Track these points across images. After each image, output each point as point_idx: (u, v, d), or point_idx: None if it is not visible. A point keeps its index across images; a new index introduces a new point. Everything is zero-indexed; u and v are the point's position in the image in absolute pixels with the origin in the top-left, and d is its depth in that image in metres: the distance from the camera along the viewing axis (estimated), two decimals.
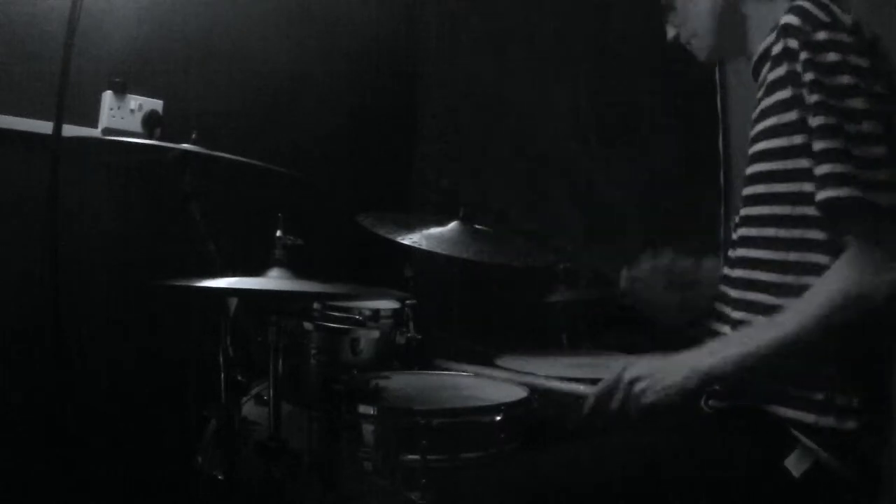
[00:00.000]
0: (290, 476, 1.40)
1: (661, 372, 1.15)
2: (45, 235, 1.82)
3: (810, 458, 1.07)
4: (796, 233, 1.11)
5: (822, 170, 1.03)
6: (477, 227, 1.88)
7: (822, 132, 1.03)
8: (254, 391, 1.65)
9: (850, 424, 1.08)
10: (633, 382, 1.17)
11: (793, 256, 1.11)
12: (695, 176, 2.13)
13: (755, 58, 1.23)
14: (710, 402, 1.23)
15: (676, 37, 1.35)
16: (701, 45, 1.32)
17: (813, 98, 1.04)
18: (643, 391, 1.15)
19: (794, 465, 1.08)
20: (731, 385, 1.17)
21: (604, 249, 2.21)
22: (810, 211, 1.07)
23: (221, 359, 1.48)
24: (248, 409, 1.60)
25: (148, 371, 2.13)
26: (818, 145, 1.03)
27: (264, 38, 2.40)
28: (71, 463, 1.90)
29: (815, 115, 1.04)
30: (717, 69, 2.11)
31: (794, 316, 1.05)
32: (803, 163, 1.07)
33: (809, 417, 1.09)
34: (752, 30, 1.24)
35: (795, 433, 1.09)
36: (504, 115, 2.58)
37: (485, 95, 2.65)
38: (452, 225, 1.85)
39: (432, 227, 1.83)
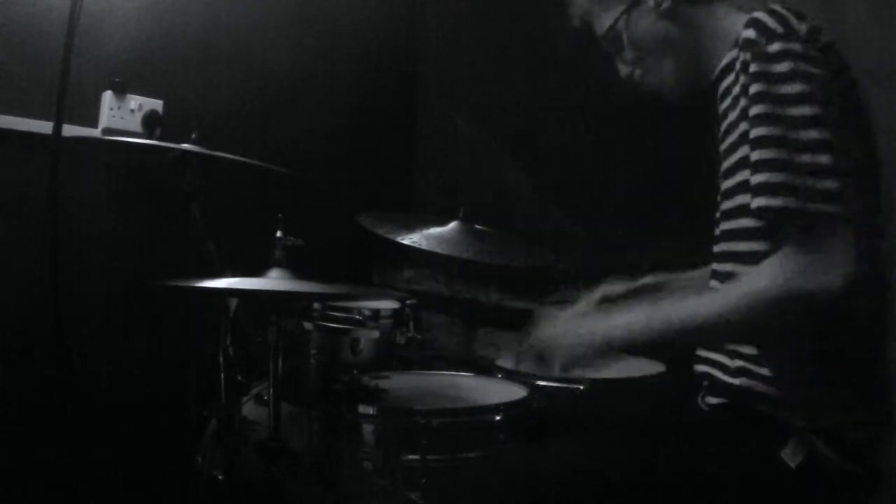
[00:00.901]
0: (290, 476, 1.41)
1: (563, 334, 1.20)
2: (45, 235, 1.82)
3: (806, 448, 1.08)
4: (749, 245, 1.13)
5: (756, 179, 1.03)
6: (477, 227, 1.88)
7: (759, 143, 1.04)
8: (254, 391, 1.65)
9: (850, 420, 1.08)
10: (541, 352, 1.21)
11: (746, 270, 1.12)
12: (694, 177, 2.13)
13: (716, 73, 1.22)
14: (707, 398, 1.23)
15: (631, 74, 1.31)
16: (667, 85, 1.28)
17: (754, 110, 1.05)
18: (553, 360, 1.19)
19: (790, 455, 1.08)
20: (649, 352, 1.21)
21: (604, 249, 2.21)
22: (751, 223, 1.09)
23: (221, 359, 1.48)
24: (248, 409, 1.61)
25: (148, 371, 2.13)
26: (754, 155, 1.04)
27: (264, 38, 2.40)
28: (71, 463, 1.90)
29: (754, 126, 1.05)
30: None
31: (721, 299, 1.09)
32: (747, 174, 1.07)
33: (809, 420, 1.09)
34: (710, 48, 1.22)
35: (792, 427, 1.09)
36: (504, 115, 2.58)
37: (485, 95, 2.65)
38: (452, 225, 1.85)
39: (432, 227, 1.83)
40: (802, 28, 1.07)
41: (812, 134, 1.01)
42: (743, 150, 1.10)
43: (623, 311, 1.17)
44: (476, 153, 2.69)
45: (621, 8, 1.25)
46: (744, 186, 1.10)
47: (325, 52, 2.56)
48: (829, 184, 1.00)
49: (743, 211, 1.11)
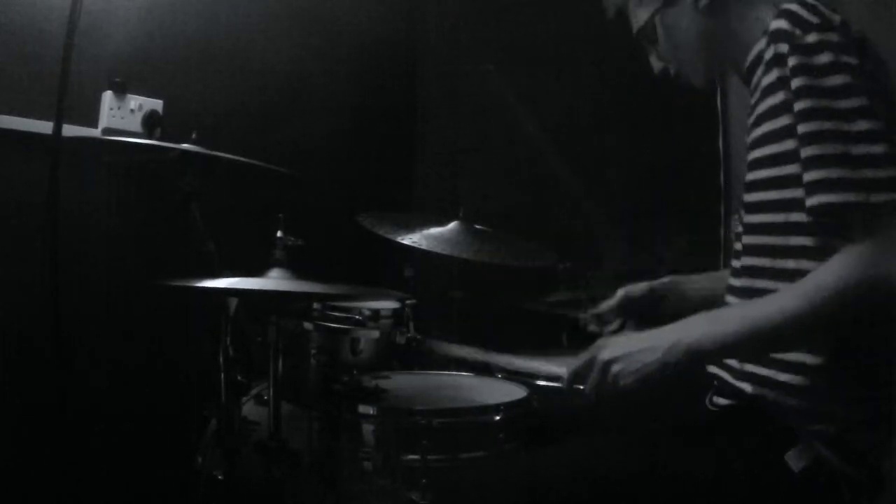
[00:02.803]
0: (290, 476, 1.41)
1: (638, 351, 1.10)
2: (45, 235, 1.82)
3: (811, 453, 1.07)
4: (792, 240, 1.10)
5: (810, 176, 1.02)
6: (477, 227, 1.88)
7: (810, 138, 1.02)
8: (254, 391, 1.65)
9: (853, 423, 1.08)
10: (608, 364, 1.12)
11: (790, 264, 1.10)
12: (695, 176, 2.13)
13: (747, 63, 1.22)
14: (715, 399, 1.23)
15: (665, 70, 1.31)
16: (695, 73, 1.29)
17: (801, 105, 1.03)
18: (619, 373, 1.11)
19: (795, 460, 1.08)
20: (727, 363, 1.15)
21: (603, 249, 2.21)
22: (802, 217, 1.06)
23: (221, 359, 1.48)
24: (248, 409, 1.61)
25: (148, 371, 2.13)
26: (806, 152, 1.02)
27: (264, 38, 2.40)
28: (71, 463, 1.90)
29: (802, 121, 1.03)
30: None
31: (798, 291, 1.02)
32: (793, 169, 1.06)
33: (816, 426, 1.09)
34: (742, 41, 1.22)
35: (798, 432, 1.09)
36: (504, 114, 2.58)
37: (485, 95, 2.65)
38: (452, 225, 1.85)
39: (432, 227, 1.83)
40: (836, 18, 1.06)
41: (864, 125, 0.99)
42: (780, 145, 1.08)
43: (684, 320, 1.10)
44: (476, 154, 2.69)
45: (658, 3, 1.25)
46: (779, 181, 1.09)
47: (325, 52, 2.56)
48: (888, 172, 0.98)
49: (781, 205, 1.09)
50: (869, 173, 0.98)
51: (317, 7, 2.54)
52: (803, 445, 1.08)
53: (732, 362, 1.18)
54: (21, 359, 1.91)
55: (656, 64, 1.33)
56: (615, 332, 1.48)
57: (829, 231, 1.04)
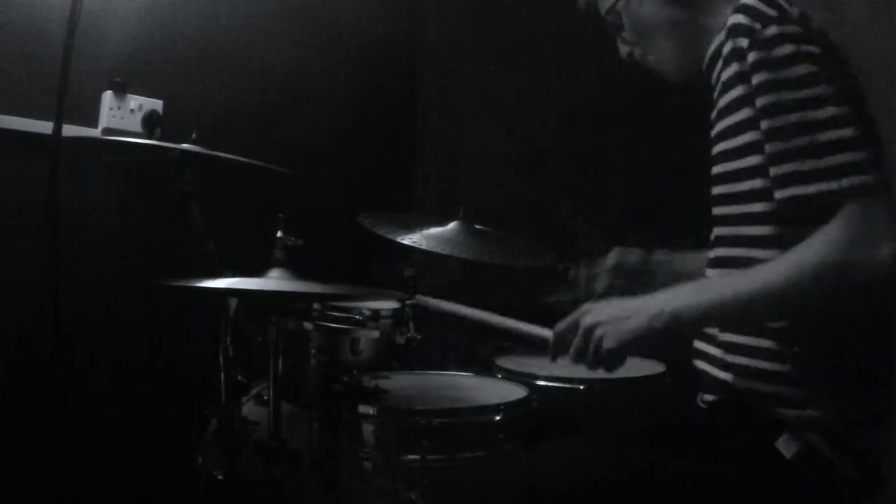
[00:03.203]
0: (290, 476, 1.41)
1: (623, 315, 1.10)
2: (45, 235, 1.82)
3: (800, 439, 1.08)
4: (755, 229, 1.11)
5: (780, 170, 1.03)
6: (477, 227, 1.88)
7: (776, 133, 1.03)
8: (254, 391, 1.65)
9: (851, 421, 1.08)
10: (592, 328, 1.12)
11: (754, 253, 1.11)
12: (693, 175, 2.13)
13: (706, 59, 1.23)
14: (704, 396, 1.23)
15: (630, 54, 1.33)
16: (667, 66, 1.30)
17: (763, 100, 1.04)
18: (603, 336, 1.11)
19: (785, 445, 1.08)
20: (697, 330, 1.15)
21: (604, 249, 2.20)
22: (765, 207, 1.07)
23: (221, 359, 1.48)
24: (248, 409, 1.60)
25: (148, 371, 2.13)
26: (772, 147, 1.03)
27: (264, 38, 2.40)
28: (71, 463, 1.90)
29: (766, 116, 1.04)
30: None
31: (777, 267, 1.03)
32: (755, 160, 1.07)
33: (800, 413, 1.09)
34: (709, 34, 1.22)
35: (788, 423, 1.09)
36: (504, 114, 2.58)
37: (485, 95, 2.65)
38: (452, 225, 1.85)
39: (432, 227, 1.83)
40: (794, 11, 1.07)
41: (831, 111, 1.00)
42: (747, 137, 1.09)
43: (667, 289, 1.10)
44: (476, 153, 2.69)
45: None
46: (740, 174, 1.10)
47: (325, 52, 2.55)
48: (857, 155, 0.99)
49: (748, 196, 1.10)
50: (840, 158, 0.99)
51: (317, 7, 2.54)
52: (792, 432, 1.08)
53: (715, 353, 1.18)
54: (21, 359, 1.91)
55: (623, 48, 1.34)
56: (600, 296, 1.48)
57: (799, 221, 1.04)
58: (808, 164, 1.00)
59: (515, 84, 2.55)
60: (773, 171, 1.04)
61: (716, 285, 1.11)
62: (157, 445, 2.06)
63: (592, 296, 1.52)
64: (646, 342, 1.09)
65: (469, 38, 2.73)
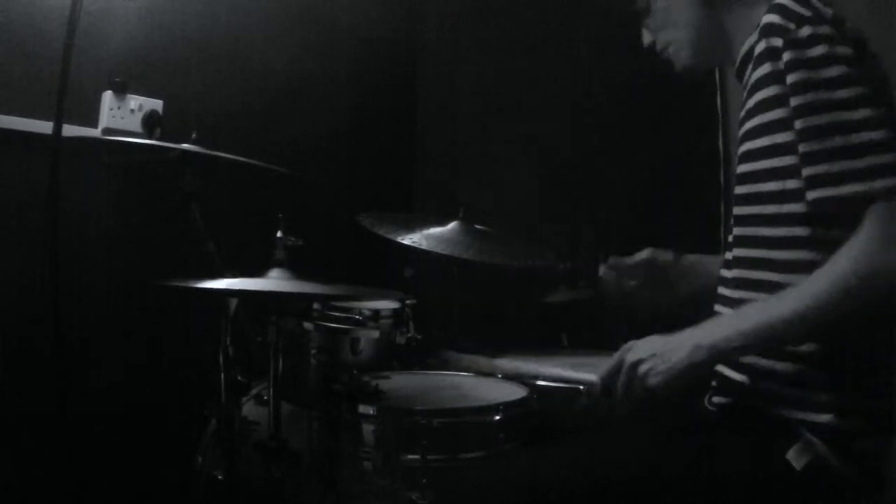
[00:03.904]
0: (290, 476, 1.40)
1: (665, 351, 1.12)
2: (45, 235, 1.82)
3: (812, 451, 1.08)
4: (783, 231, 1.11)
5: (812, 170, 1.03)
6: (477, 227, 1.88)
7: (809, 133, 1.03)
8: (254, 391, 1.65)
9: (854, 424, 1.08)
10: (636, 365, 1.14)
11: (783, 255, 1.11)
12: (695, 175, 2.13)
13: (738, 59, 1.23)
14: (714, 399, 1.23)
15: (653, 43, 1.33)
16: (679, 54, 1.30)
17: (798, 100, 1.04)
18: (648, 372, 1.12)
19: (796, 457, 1.08)
20: (737, 358, 1.15)
21: (603, 249, 2.20)
22: (796, 208, 1.07)
23: (221, 359, 1.48)
24: (248, 409, 1.60)
25: (148, 371, 2.13)
26: (805, 147, 1.03)
27: (264, 38, 2.40)
28: (71, 463, 1.90)
29: (800, 116, 1.04)
30: (716, 70, 2.12)
31: (808, 289, 1.02)
32: (788, 160, 1.07)
33: (812, 416, 1.09)
34: (733, 36, 1.23)
35: (798, 429, 1.09)
36: (504, 114, 2.58)
37: (485, 95, 2.65)
38: (452, 225, 1.85)
39: (432, 227, 1.83)
40: (828, 11, 1.07)
41: (864, 112, 1.00)
42: (773, 137, 1.09)
43: (709, 320, 1.13)
44: (476, 153, 2.69)
45: None
46: (773, 173, 1.09)
47: (325, 52, 2.55)
48: (890, 157, 0.99)
49: (775, 196, 1.10)
50: (871, 160, 0.99)
51: (316, 7, 2.54)
52: (804, 442, 1.08)
53: None
54: (21, 359, 1.91)
55: (646, 37, 1.34)
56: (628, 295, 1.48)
57: (831, 222, 1.04)
58: (841, 165, 1.00)
59: (516, 84, 2.55)
60: (805, 171, 1.03)
61: (753, 314, 1.09)
62: (157, 445, 2.06)
63: (620, 293, 1.52)
64: (688, 376, 1.10)
65: (469, 38, 2.73)
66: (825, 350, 1.09)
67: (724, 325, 1.11)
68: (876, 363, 1.11)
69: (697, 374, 1.11)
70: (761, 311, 1.08)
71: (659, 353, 1.12)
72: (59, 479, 1.91)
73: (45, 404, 1.87)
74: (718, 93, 2.12)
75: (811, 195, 1.03)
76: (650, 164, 2.25)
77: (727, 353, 1.10)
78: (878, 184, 0.98)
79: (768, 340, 1.07)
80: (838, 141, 1.01)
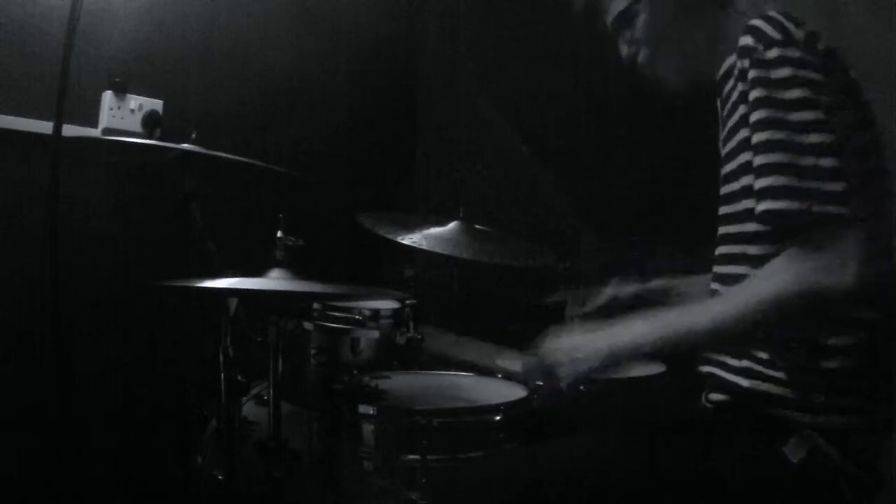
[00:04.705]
0: (290, 476, 1.41)
1: (578, 359, 1.17)
2: (45, 235, 1.82)
3: (807, 444, 1.08)
4: (751, 249, 1.14)
5: (760, 183, 1.05)
6: (477, 227, 1.88)
7: (762, 147, 1.05)
8: (254, 391, 1.65)
9: (852, 423, 1.09)
10: (551, 368, 1.20)
11: (752, 272, 1.13)
12: (694, 176, 2.13)
13: (719, 74, 1.23)
14: (711, 396, 1.23)
15: (632, 56, 1.31)
16: (667, 67, 1.29)
17: (756, 115, 1.06)
18: (561, 378, 1.19)
19: (792, 451, 1.08)
20: (735, 362, 1.18)
21: (604, 249, 2.21)
22: (755, 227, 1.09)
23: (221, 359, 1.48)
24: (248, 409, 1.60)
25: (148, 371, 2.13)
26: (758, 160, 1.05)
27: (264, 38, 2.40)
28: (71, 463, 1.90)
29: (756, 131, 1.06)
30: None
31: (724, 306, 1.09)
32: (747, 180, 1.10)
33: (811, 418, 1.09)
34: (720, 47, 1.23)
35: (796, 426, 1.09)
36: (504, 114, 2.58)
37: (485, 95, 2.65)
38: (452, 225, 1.85)
39: (432, 227, 1.83)
40: (800, 34, 1.08)
41: (815, 138, 1.02)
42: (744, 156, 1.11)
43: (628, 321, 1.17)
44: (476, 153, 2.69)
45: None
46: (747, 192, 1.11)
47: (325, 52, 2.55)
48: (835, 186, 1.00)
49: (747, 215, 1.12)
50: (814, 185, 1.01)
51: (317, 7, 2.54)
52: (799, 437, 1.08)
53: (728, 360, 1.19)
54: (21, 358, 1.91)
55: (624, 49, 1.33)
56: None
57: (778, 238, 1.06)
58: (784, 181, 1.02)
59: (515, 84, 2.55)
60: (756, 184, 1.06)
61: (668, 321, 1.13)
62: (157, 445, 2.06)
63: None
64: (593, 377, 1.20)
65: (469, 38, 2.73)
66: (825, 350, 1.09)
67: (642, 330, 1.14)
68: (876, 363, 1.11)
69: (600, 376, 1.23)
70: (680, 318, 1.12)
71: (572, 359, 1.17)
72: (59, 479, 1.91)
73: (44, 404, 1.87)
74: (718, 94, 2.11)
75: (758, 208, 1.05)
76: (650, 162, 2.25)
77: (642, 356, 1.17)
78: (816, 208, 1.00)
79: (676, 347, 1.14)
80: (786, 157, 1.02)
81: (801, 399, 1.10)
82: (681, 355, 1.20)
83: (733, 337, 1.11)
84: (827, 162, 1.01)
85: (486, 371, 1.73)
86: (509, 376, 1.56)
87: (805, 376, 1.10)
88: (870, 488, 1.11)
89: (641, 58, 1.31)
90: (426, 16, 2.87)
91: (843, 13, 1.11)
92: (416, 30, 2.87)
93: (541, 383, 1.32)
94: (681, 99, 1.31)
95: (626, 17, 1.30)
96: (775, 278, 1.03)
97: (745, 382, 1.15)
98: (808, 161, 1.01)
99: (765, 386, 1.12)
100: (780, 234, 1.06)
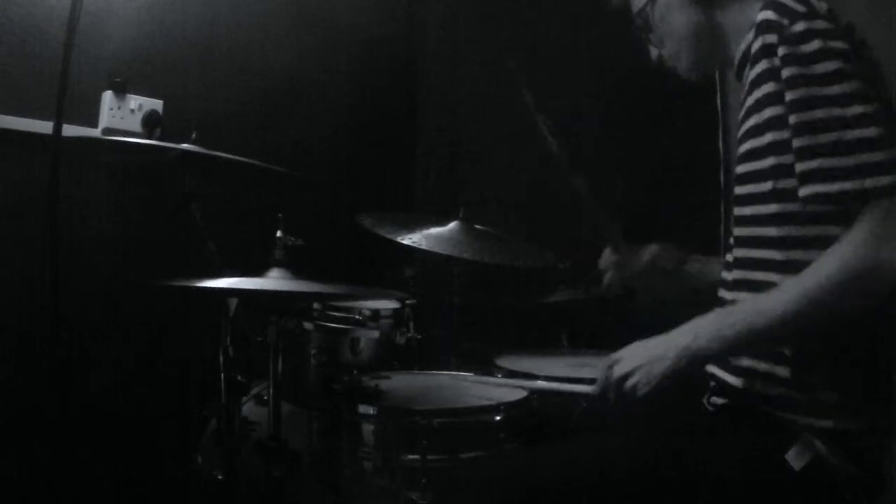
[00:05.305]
0: (290, 476, 1.41)
1: (648, 361, 1.13)
2: (45, 235, 1.82)
3: (811, 451, 1.07)
4: (784, 230, 1.10)
5: (804, 166, 1.02)
6: (477, 227, 1.88)
7: (802, 128, 1.03)
8: (254, 391, 1.65)
9: (853, 424, 1.08)
10: (623, 380, 1.16)
11: (781, 256, 1.10)
12: (695, 176, 2.13)
13: (737, 58, 1.23)
14: (713, 399, 1.23)
15: (660, 57, 1.33)
16: (681, 63, 1.30)
17: (792, 94, 1.04)
18: (635, 386, 1.14)
19: (795, 458, 1.08)
20: (723, 360, 1.17)
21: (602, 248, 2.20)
22: (793, 207, 1.07)
23: (221, 359, 1.48)
24: (248, 409, 1.60)
25: (148, 371, 2.13)
26: (798, 142, 1.03)
27: (264, 38, 2.40)
28: (71, 463, 1.90)
29: (794, 111, 1.03)
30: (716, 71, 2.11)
31: (791, 291, 1.03)
32: (786, 158, 1.06)
33: (812, 420, 1.09)
34: (730, 36, 1.23)
35: (797, 429, 1.09)
36: (504, 113, 2.58)
37: (485, 95, 2.65)
38: (452, 225, 1.85)
39: (432, 227, 1.83)
40: (823, 6, 1.07)
41: (857, 109, 1.00)
42: (771, 135, 1.08)
43: (697, 319, 1.12)
44: (476, 153, 2.69)
45: None
46: (769, 172, 1.09)
47: (325, 52, 2.56)
48: (882, 155, 0.98)
49: (772, 196, 1.10)
50: (863, 157, 0.99)
51: (317, 7, 2.54)
52: (803, 443, 1.08)
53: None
54: (21, 358, 1.91)
55: (652, 51, 1.34)
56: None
57: (824, 220, 1.04)
58: (832, 162, 1.00)
59: (516, 83, 2.54)
60: (798, 166, 1.03)
61: (737, 316, 1.09)
62: (157, 445, 2.06)
63: (620, 284, 1.52)
64: (676, 382, 1.12)
65: (469, 38, 2.73)
66: (824, 351, 1.09)
67: (706, 329, 1.11)
68: (876, 364, 1.10)
69: (685, 379, 1.13)
70: (746, 313, 1.08)
71: (643, 364, 1.14)
72: (59, 478, 1.91)
73: (45, 404, 1.87)
74: (718, 93, 2.11)
75: (803, 191, 1.03)
76: (650, 162, 2.25)
77: (711, 358, 1.13)
78: (869, 182, 0.98)
79: (754, 344, 1.09)
80: (831, 137, 1.00)
81: (802, 399, 1.09)
82: (754, 351, 1.12)
83: (807, 328, 1.04)
84: (872, 132, 0.99)
85: (486, 371, 1.73)
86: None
87: (806, 376, 1.09)
88: (871, 490, 1.10)
89: (666, 60, 1.32)
90: (426, 16, 2.87)
91: (842, 13, 1.10)
92: (416, 30, 2.87)
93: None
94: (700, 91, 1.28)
95: (644, 20, 1.31)
96: (836, 263, 0.99)
97: (741, 383, 1.15)
98: (854, 134, 0.99)
99: (763, 386, 1.12)
100: (826, 214, 1.03)
